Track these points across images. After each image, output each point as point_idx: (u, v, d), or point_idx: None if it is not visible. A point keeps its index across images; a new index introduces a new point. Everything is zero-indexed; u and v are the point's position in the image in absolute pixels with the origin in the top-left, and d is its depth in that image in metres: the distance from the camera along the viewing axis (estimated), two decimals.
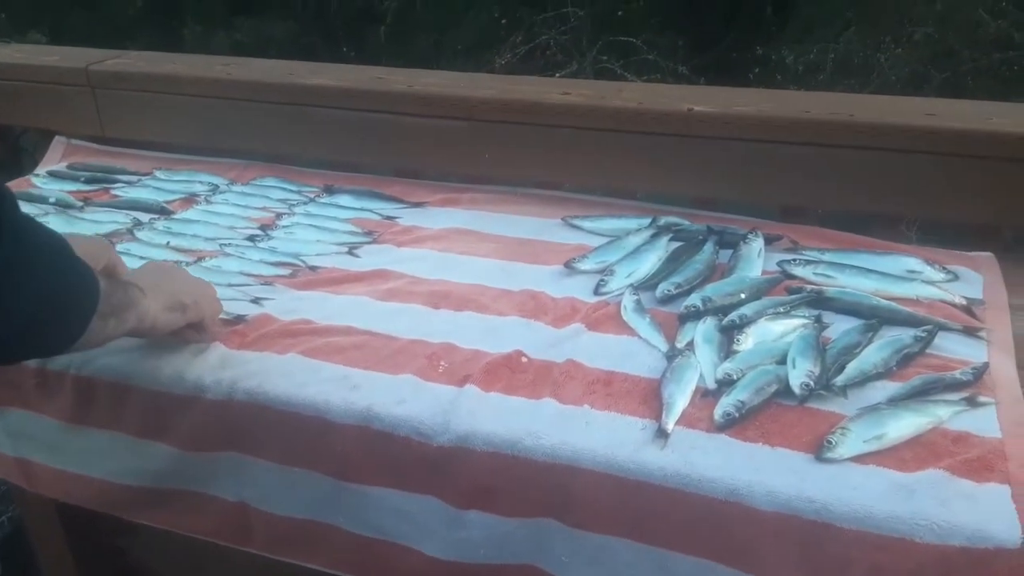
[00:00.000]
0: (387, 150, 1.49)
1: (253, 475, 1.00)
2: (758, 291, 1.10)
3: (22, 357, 0.80)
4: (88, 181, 1.52)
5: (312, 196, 1.46)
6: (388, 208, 1.41)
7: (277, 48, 5.65)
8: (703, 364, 0.97)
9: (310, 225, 1.35)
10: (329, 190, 1.47)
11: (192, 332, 1.01)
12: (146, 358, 1.01)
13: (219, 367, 0.99)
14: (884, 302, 1.06)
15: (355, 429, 0.93)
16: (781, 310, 1.06)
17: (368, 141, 1.50)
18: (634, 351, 1.02)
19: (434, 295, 1.14)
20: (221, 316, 1.06)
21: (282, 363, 1.00)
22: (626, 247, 1.23)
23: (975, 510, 0.77)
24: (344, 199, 1.44)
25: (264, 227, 1.35)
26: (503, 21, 5.59)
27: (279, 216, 1.38)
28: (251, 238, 1.31)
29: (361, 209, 1.40)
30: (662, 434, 0.87)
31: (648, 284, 1.16)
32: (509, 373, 0.98)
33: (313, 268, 1.23)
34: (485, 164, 1.43)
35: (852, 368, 0.95)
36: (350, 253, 1.27)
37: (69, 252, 0.79)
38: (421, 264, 1.23)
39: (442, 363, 1.00)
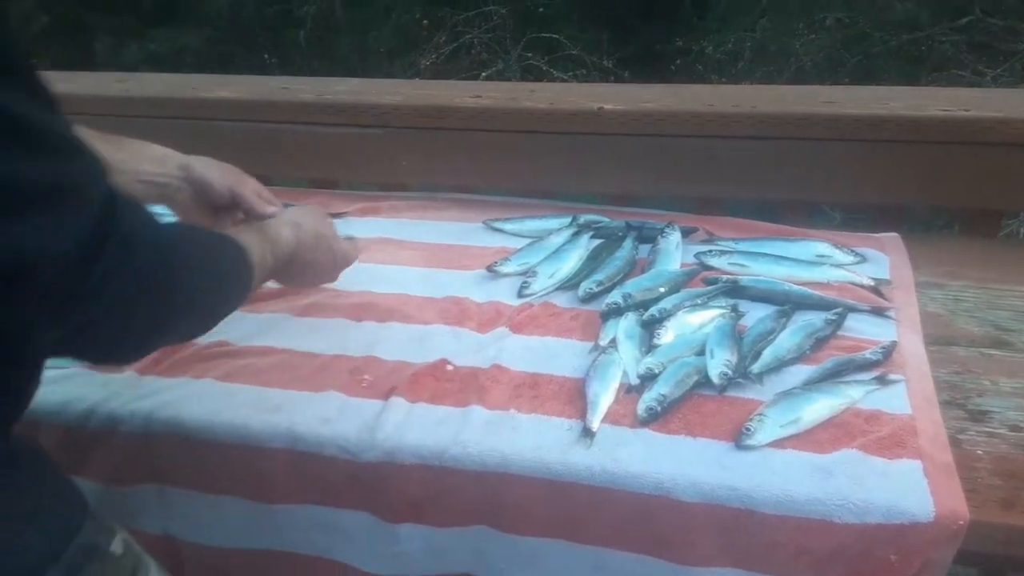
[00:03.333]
0: (299, 162, 1.46)
1: (177, 506, 0.97)
2: (677, 284, 1.12)
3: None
4: None
5: None
6: None
7: (194, 57, 5.49)
8: (625, 360, 0.98)
9: None
10: None
11: None
12: (54, 394, 0.97)
13: (134, 398, 0.96)
14: (796, 288, 1.09)
15: (279, 452, 0.91)
16: (699, 302, 1.07)
17: (277, 153, 1.46)
18: (559, 352, 1.02)
19: (357, 307, 1.12)
20: None
21: (199, 389, 0.97)
22: (548, 248, 1.24)
23: (889, 487, 0.80)
24: None
25: None
26: (424, 22, 5.55)
27: None
28: None
29: None
30: (587, 433, 0.88)
31: (571, 284, 1.16)
32: (434, 382, 0.97)
33: None
34: (402, 171, 1.42)
35: (767, 355, 0.97)
36: None
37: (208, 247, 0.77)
38: (343, 276, 1.20)
39: (365, 377, 0.98)
